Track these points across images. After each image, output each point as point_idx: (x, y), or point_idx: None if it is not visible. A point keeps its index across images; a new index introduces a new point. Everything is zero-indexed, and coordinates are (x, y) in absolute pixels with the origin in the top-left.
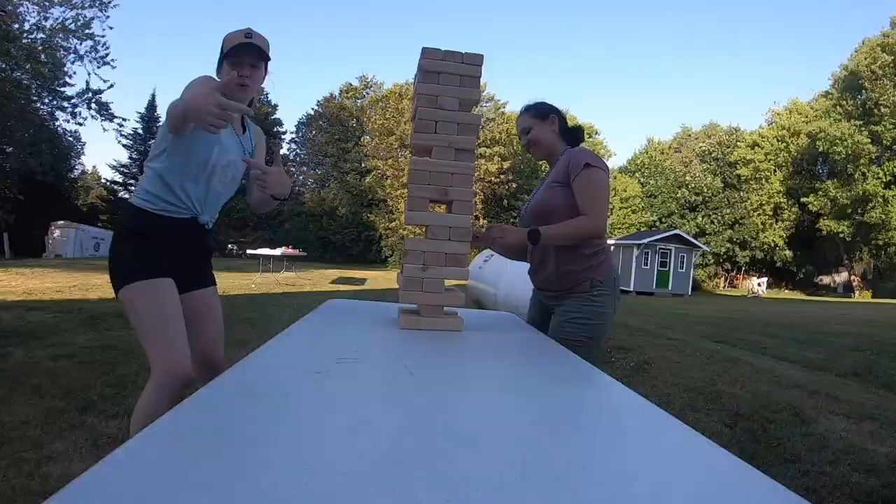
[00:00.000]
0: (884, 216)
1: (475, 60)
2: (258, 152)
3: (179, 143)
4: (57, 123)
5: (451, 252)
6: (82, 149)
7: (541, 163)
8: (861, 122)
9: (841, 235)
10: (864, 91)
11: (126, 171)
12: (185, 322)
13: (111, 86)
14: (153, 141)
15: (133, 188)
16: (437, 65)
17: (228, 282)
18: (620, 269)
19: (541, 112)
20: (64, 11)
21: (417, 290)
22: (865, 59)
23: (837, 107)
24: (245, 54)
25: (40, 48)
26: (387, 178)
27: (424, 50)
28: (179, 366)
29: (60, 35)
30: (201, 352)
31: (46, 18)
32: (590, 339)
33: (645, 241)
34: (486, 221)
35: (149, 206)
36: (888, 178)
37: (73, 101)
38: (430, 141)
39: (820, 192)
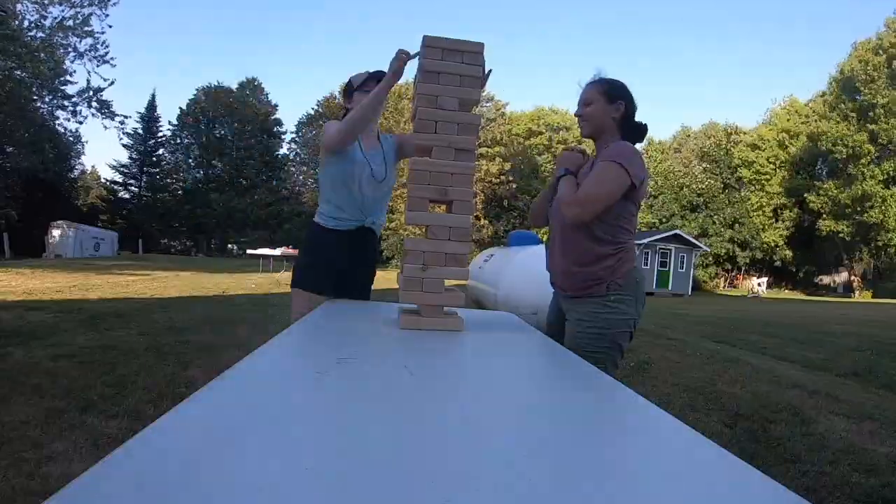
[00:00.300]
0: (883, 216)
1: (475, 60)
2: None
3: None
4: (57, 122)
5: (451, 252)
6: (82, 148)
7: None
8: (859, 123)
9: (841, 235)
10: (861, 93)
11: (126, 171)
12: None
13: (112, 83)
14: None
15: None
16: (438, 65)
17: (228, 282)
18: None
19: (610, 93)
20: (63, 10)
21: (417, 290)
22: (859, 61)
23: (835, 109)
24: (374, 82)
25: (40, 46)
26: None
27: (425, 38)
28: None
29: (60, 33)
30: None
31: (45, 17)
32: (608, 351)
33: (645, 241)
34: (485, 222)
35: (330, 224)
36: (885, 176)
37: (73, 99)
38: (430, 141)
39: (820, 192)
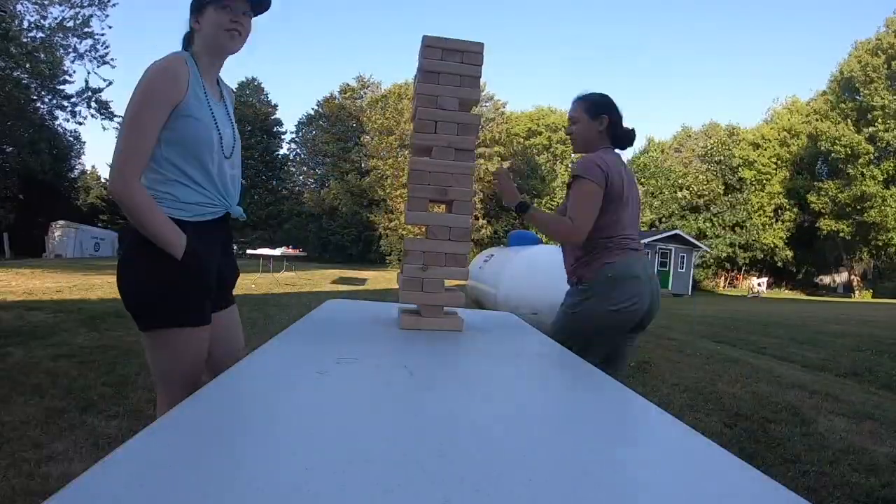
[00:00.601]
0: (882, 216)
1: (475, 60)
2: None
3: (181, 127)
4: (57, 123)
5: (451, 252)
6: (82, 148)
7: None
8: (859, 123)
9: (841, 235)
10: (860, 93)
11: None
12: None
13: (110, 83)
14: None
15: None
16: (437, 65)
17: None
18: None
19: (593, 109)
20: (63, 10)
21: (417, 290)
22: (858, 61)
23: (835, 109)
24: (238, 1)
25: (39, 47)
26: (386, 178)
27: (425, 38)
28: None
29: (59, 34)
30: (219, 363)
31: (45, 17)
32: (569, 328)
33: (645, 241)
34: (484, 222)
35: (185, 216)
36: (885, 177)
37: (72, 99)
38: (429, 141)
39: (820, 192)
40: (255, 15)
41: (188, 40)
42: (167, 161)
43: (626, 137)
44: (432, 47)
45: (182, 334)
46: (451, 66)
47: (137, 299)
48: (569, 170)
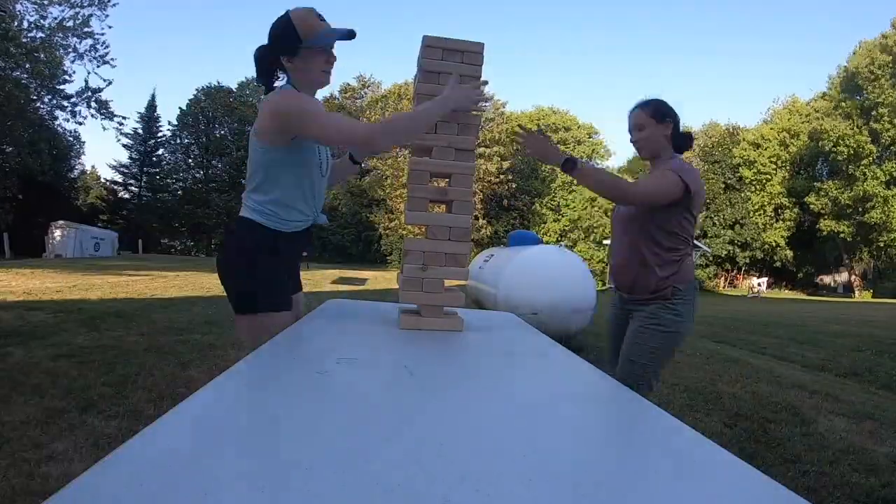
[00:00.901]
0: (884, 216)
1: (475, 60)
2: None
3: (289, 159)
4: (56, 123)
5: (451, 252)
6: (82, 148)
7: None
8: (861, 123)
9: (841, 235)
10: (863, 92)
11: (126, 171)
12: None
13: (110, 83)
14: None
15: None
16: (438, 65)
17: None
18: None
19: (659, 112)
20: (63, 10)
21: (417, 290)
22: (864, 60)
23: (838, 107)
24: (332, 41)
25: (39, 47)
26: (386, 178)
27: (425, 38)
28: None
29: (59, 34)
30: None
31: (45, 17)
32: (665, 348)
33: None
34: (484, 222)
35: (282, 228)
36: (887, 177)
37: (72, 99)
38: (429, 141)
39: (821, 193)
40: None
41: (269, 72)
42: (278, 182)
43: (688, 140)
44: (433, 47)
45: (276, 318)
46: (451, 66)
47: (240, 291)
48: None
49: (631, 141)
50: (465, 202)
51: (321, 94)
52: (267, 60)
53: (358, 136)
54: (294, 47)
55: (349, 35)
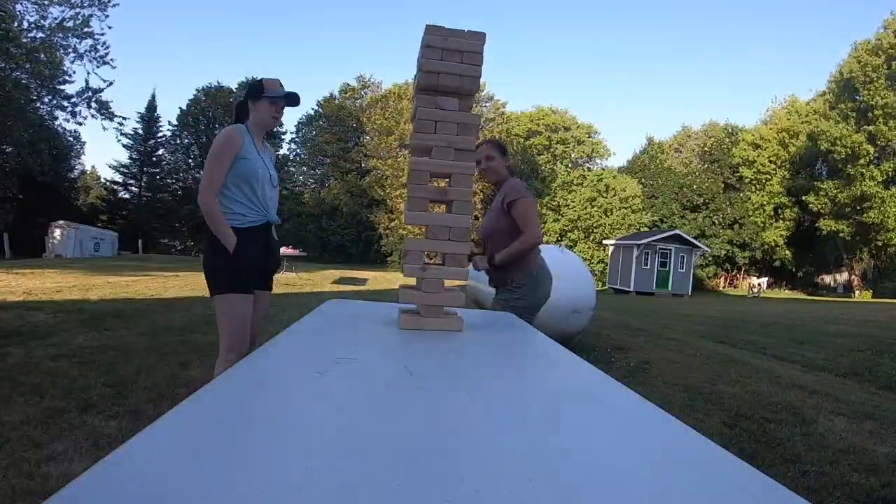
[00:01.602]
0: (882, 216)
1: (475, 60)
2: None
3: (241, 165)
4: (56, 123)
5: (451, 252)
6: (82, 149)
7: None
8: (858, 124)
9: (841, 235)
10: (860, 93)
11: (126, 171)
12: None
13: (110, 84)
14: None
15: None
16: (437, 65)
17: None
18: (620, 269)
19: (502, 148)
20: (63, 10)
21: (417, 290)
22: (858, 62)
23: (835, 109)
24: (285, 103)
25: (39, 47)
26: (386, 178)
27: (428, 28)
28: (244, 350)
29: (59, 34)
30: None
31: (45, 17)
32: (514, 309)
33: (645, 241)
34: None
35: (237, 223)
36: (884, 177)
37: (72, 100)
38: (429, 141)
39: (820, 192)
40: (289, 106)
41: (243, 110)
42: (232, 186)
43: (514, 171)
44: (432, 47)
45: (232, 298)
46: (450, 66)
47: (208, 273)
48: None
49: (479, 168)
50: (465, 202)
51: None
52: (243, 104)
53: (201, 191)
54: (257, 94)
55: (292, 98)
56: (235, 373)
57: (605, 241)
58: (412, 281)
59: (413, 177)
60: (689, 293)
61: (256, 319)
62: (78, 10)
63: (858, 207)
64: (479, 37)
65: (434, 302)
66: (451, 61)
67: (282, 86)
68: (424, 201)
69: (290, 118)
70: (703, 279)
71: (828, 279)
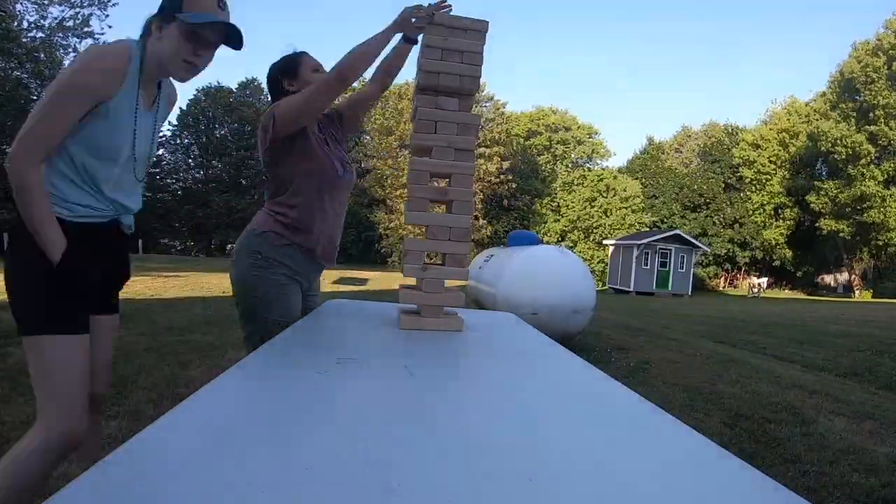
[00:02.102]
0: (882, 216)
1: (475, 60)
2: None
3: (94, 126)
4: None
5: (451, 252)
6: None
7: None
8: (859, 124)
9: (841, 235)
10: (860, 94)
11: None
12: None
13: None
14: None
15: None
16: (437, 65)
17: (229, 282)
18: (620, 269)
19: None
20: (63, 10)
21: (418, 291)
22: (859, 62)
23: (836, 109)
24: (213, 32)
25: (39, 47)
26: (387, 178)
27: (428, 27)
28: (78, 428)
29: (59, 34)
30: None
31: (45, 17)
32: None
33: (645, 241)
34: (484, 222)
35: (64, 214)
36: (885, 177)
37: None
38: (429, 141)
39: (820, 192)
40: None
41: (147, 31)
42: (67, 155)
43: None
44: (432, 44)
45: (49, 341)
46: (450, 66)
47: (13, 305)
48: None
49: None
50: (466, 202)
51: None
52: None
53: (16, 145)
54: (170, 9)
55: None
56: (236, 373)
57: (604, 242)
58: (412, 281)
59: (413, 177)
60: (690, 293)
61: (102, 364)
62: (78, 9)
63: (859, 207)
64: (480, 36)
65: (434, 302)
66: (451, 61)
67: (222, 6)
68: (424, 201)
69: None
70: (703, 279)
71: (828, 279)
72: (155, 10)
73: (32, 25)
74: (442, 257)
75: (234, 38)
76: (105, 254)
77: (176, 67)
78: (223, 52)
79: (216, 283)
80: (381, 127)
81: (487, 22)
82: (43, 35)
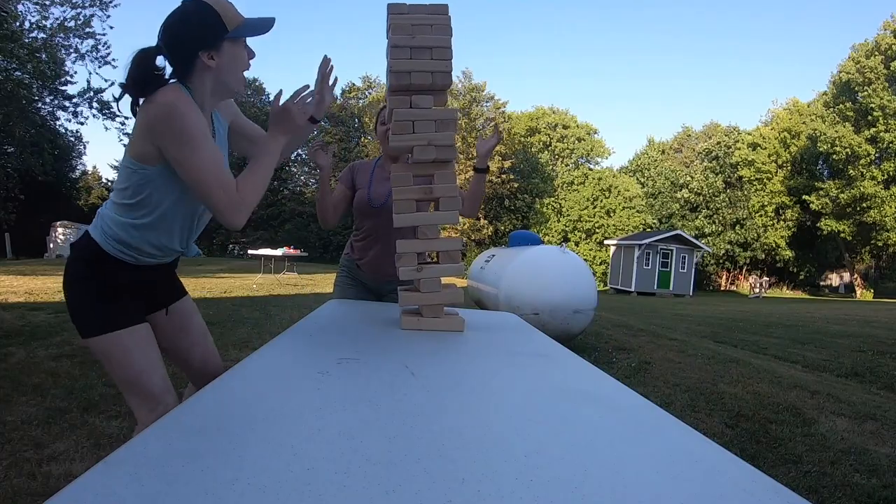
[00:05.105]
0: (881, 216)
1: (444, 55)
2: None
3: (163, 189)
4: (58, 123)
5: (444, 248)
6: (84, 149)
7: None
8: (858, 125)
9: (842, 235)
10: (858, 95)
11: None
12: (172, 338)
13: (112, 84)
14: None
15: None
16: (407, 64)
17: (230, 282)
18: (622, 269)
19: None
20: (64, 10)
21: (416, 291)
22: (856, 64)
23: (835, 110)
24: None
25: (41, 47)
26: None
27: (394, 27)
28: (167, 407)
29: (61, 34)
30: (201, 360)
31: (46, 17)
32: None
33: (646, 241)
34: (486, 222)
35: (127, 258)
36: (885, 177)
37: (74, 100)
38: (409, 141)
39: (821, 192)
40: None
41: (151, 82)
42: (152, 205)
43: None
44: (399, 47)
45: (111, 339)
46: (421, 63)
47: (74, 316)
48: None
49: (380, 122)
50: (452, 198)
51: None
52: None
53: (226, 207)
54: (213, 37)
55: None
56: (236, 373)
57: (606, 242)
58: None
59: (396, 179)
60: (691, 293)
61: (201, 347)
62: (79, 10)
63: (859, 207)
64: (446, 30)
65: (433, 301)
66: (420, 59)
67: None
68: (411, 202)
69: None
70: (704, 279)
71: (829, 279)
72: (174, 48)
73: (34, 26)
74: (435, 255)
75: (265, 27)
76: (156, 277)
77: (238, 82)
78: None
79: (216, 283)
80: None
81: (446, 5)
82: (45, 36)
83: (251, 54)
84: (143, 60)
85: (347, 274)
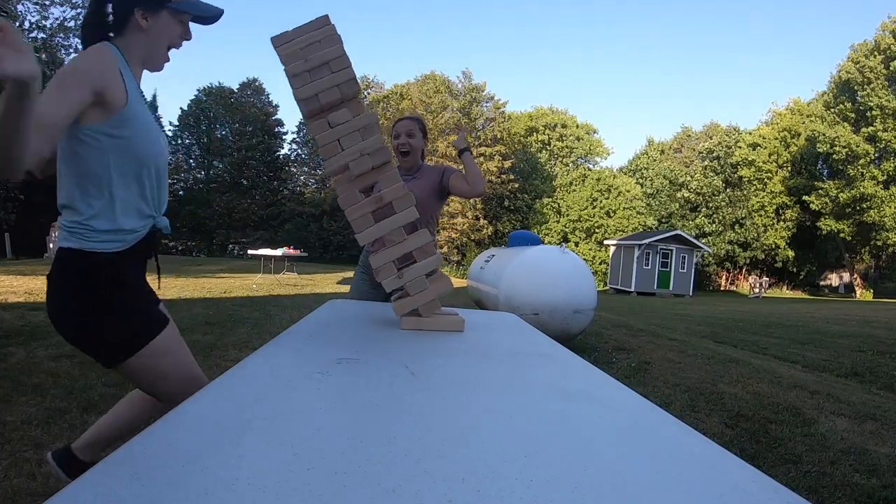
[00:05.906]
0: (880, 216)
1: (343, 64)
2: None
3: (119, 145)
4: None
5: (416, 246)
6: None
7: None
8: (858, 125)
9: (841, 235)
10: (857, 95)
11: None
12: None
13: None
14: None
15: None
16: (311, 89)
17: (230, 282)
18: (621, 269)
19: (423, 126)
20: (64, 11)
21: (406, 297)
22: (855, 64)
23: (834, 110)
24: (189, 15)
25: (41, 47)
26: None
27: (284, 57)
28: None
29: (61, 35)
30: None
31: (46, 17)
32: None
33: (646, 241)
34: (485, 222)
35: (109, 248)
36: (885, 177)
37: None
38: (342, 159)
39: (821, 192)
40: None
41: (101, 27)
42: (114, 178)
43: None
44: (294, 73)
45: (149, 350)
46: (315, 59)
47: (92, 338)
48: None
49: (398, 143)
50: (403, 196)
51: None
52: (115, 13)
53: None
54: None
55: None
56: (235, 373)
57: (606, 242)
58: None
59: (343, 200)
60: (691, 293)
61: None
62: (79, 10)
63: (858, 207)
64: (335, 39)
65: (426, 299)
66: (321, 77)
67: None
68: (367, 217)
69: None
70: (704, 279)
71: (829, 279)
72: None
73: (34, 26)
74: (411, 256)
75: (210, 16)
76: (142, 266)
77: (160, 57)
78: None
79: (216, 284)
80: (382, 127)
81: (326, 16)
82: (44, 35)
83: (187, 36)
84: (96, 5)
85: (363, 271)
